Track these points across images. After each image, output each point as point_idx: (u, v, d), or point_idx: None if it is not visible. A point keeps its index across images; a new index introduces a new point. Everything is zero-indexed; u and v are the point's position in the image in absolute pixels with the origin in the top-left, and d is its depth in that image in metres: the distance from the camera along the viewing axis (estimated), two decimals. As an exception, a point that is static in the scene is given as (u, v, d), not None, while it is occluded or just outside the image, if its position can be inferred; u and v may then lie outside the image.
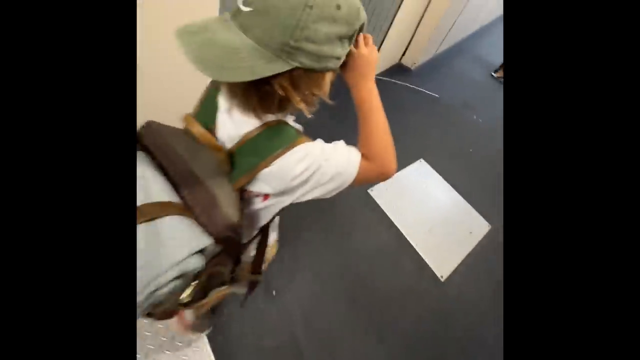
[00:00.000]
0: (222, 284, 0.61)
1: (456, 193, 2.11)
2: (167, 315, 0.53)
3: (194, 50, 0.37)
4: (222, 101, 0.51)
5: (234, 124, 0.49)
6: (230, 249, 0.50)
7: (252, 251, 0.67)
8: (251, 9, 0.38)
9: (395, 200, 1.89)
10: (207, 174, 0.47)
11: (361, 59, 0.52)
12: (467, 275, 1.69)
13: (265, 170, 0.47)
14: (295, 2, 0.37)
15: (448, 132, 2.66)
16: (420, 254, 1.69)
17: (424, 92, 3.10)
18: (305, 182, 0.49)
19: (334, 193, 0.52)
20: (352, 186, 0.52)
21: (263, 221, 0.60)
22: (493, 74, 4.08)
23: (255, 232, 0.62)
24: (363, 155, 0.53)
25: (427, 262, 1.66)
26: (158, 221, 0.39)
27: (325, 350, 1.33)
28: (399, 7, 2.48)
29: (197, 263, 0.41)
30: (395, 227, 1.77)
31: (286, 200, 0.53)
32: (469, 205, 2.07)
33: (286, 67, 0.40)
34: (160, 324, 1.15)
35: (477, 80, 3.87)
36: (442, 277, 1.62)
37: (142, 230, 0.37)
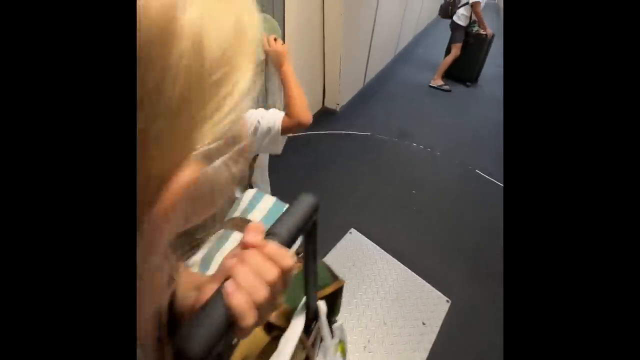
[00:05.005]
0: None
1: (400, 264, 1.67)
2: None
3: None
4: None
5: None
6: None
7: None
8: None
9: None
10: None
11: (270, 53, 0.89)
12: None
13: None
14: None
15: (383, 177, 2.28)
16: (356, 394, 1.22)
17: (352, 135, 2.76)
18: (253, 133, 0.81)
19: (276, 143, 0.84)
20: (282, 133, 0.82)
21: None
22: (430, 84, 3.81)
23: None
24: (286, 114, 0.82)
25: (366, 406, 1.19)
26: None
27: None
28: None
29: None
30: None
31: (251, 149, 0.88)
32: (418, 278, 1.62)
33: None
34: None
35: (414, 98, 3.56)
36: None
37: None
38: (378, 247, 1.75)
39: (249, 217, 0.71)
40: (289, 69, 0.88)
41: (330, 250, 1.72)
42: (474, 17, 3.41)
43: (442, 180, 2.29)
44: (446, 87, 3.73)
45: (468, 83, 3.89)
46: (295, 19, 2.08)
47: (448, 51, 3.68)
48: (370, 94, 3.45)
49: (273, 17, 1.97)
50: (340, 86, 2.91)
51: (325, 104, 3.08)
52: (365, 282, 1.58)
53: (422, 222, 1.93)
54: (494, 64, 4.13)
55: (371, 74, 3.75)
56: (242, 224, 0.68)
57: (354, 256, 1.70)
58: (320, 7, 2.38)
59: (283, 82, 0.87)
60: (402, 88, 3.73)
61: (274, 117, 0.82)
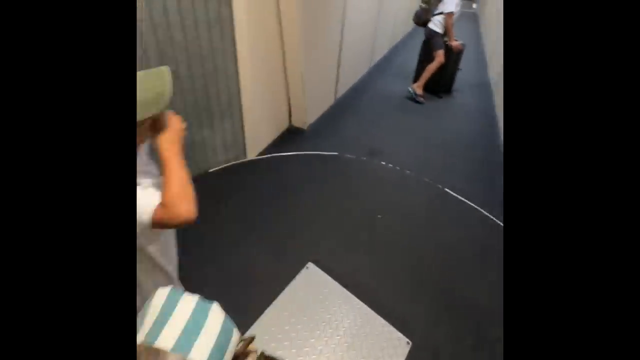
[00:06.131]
0: None
1: (359, 302, 1.55)
2: None
3: None
4: None
5: None
6: None
7: None
8: None
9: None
10: None
11: (163, 138, 0.69)
12: None
13: None
14: None
15: (348, 201, 2.17)
16: None
17: (319, 155, 2.66)
18: None
19: (144, 235, 0.72)
20: (153, 227, 0.63)
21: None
22: (409, 88, 3.73)
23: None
24: (161, 203, 0.63)
25: None
26: None
27: None
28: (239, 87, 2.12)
29: None
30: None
31: None
32: (377, 317, 1.50)
33: None
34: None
35: (387, 112, 3.48)
36: None
37: None
38: (336, 283, 1.62)
39: (162, 335, 0.42)
40: (175, 154, 0.68)
41: (283, 289, 1.59)
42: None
43: (410, 202, 2.19)
44: (421, 99, 3.68)
45: (441, 94, 3.86)
46: (247, 32, 1.98)
47: (426, 60, 3.62)
48: (342, 110, 3.37)
49: (221, 30, 1.87)
50: (306, 104, 2.82)
51: (293, 123, 2.98)
52: (320, 325, 1.45)
53: (385, 253, 1.82)
54: (468, 74, 4.11)
55: (344, 89, 3.68)
56: (148, 356, 0.41)
57: (310, 295, 1.57)
58: (277, 27, 2.29)
59: (163, 169, 0.67)
60: (376, 102, 3.66)
61: (143, 204, 0.62)
